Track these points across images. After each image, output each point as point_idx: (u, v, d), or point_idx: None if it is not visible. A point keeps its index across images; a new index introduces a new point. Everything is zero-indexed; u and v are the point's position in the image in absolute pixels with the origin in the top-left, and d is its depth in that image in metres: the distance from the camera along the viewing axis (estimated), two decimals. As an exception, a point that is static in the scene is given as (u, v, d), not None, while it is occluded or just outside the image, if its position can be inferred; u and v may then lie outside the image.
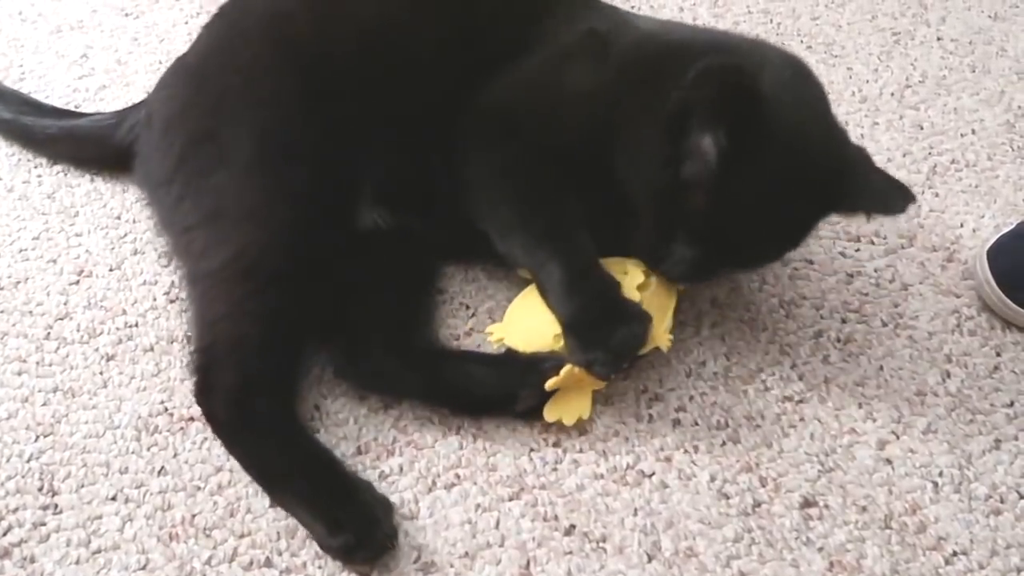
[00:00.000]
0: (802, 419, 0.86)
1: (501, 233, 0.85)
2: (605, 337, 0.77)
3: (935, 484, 0.82)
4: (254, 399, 0.78)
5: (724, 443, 0.83)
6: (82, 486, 0.78)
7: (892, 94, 1.25)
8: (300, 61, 0.87)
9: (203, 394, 0.80)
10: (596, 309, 0.79)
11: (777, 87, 0.77)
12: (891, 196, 0.81)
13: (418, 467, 0.80)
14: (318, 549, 0.74)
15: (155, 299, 0.92)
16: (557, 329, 0.81)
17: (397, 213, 0.90)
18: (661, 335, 0.82)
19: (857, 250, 1.03)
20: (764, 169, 0.76)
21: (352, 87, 0.87)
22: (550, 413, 0.81)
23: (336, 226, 0.85)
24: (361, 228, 0.88)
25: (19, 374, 0.86)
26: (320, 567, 0.73)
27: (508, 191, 0.86)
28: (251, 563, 0.73)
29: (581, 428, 0.83)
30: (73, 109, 1.12)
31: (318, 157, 0.84)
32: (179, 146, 0.87)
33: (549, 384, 0.79)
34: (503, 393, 0.82)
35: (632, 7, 1.38)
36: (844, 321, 0.95)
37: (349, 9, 0.90)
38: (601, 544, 0.76)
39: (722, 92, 0.73)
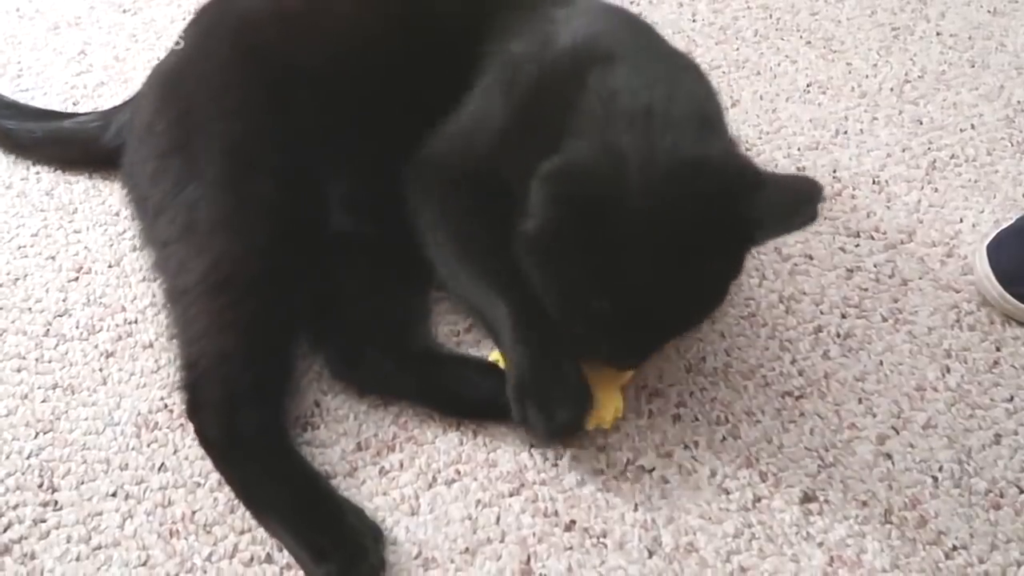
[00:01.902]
0: (802, 414, 0.86)
1: (449, 283, 0.86)
2: (545, 409, 0.76)
3: (935, 479, 0.82)
4: (242, 413, 0.78)
5: (724, 439, 0.84)
6: (82, 483, 0.78)
7: (891, 89, 1.25)
8: (268, 73, 0.87)
9: (193, 412, 0.79)
10: (541, 370, 0.77)
11: (633, 160, 0.72)
12: (797, 210, 0.73)
13: (418, 463, 0.80)
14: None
15: (154, 295, 0.92)
16: None
17: (371, 223, 0.90)
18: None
19: (857, 245, 1.03)
20: (650, 257, 0.71)
21: (319, 100, 0.87)
22: (587, 420, 0.80)
23: (308, 234, 0.85)
24: (347, 231, 0.89)
25: (18, 371, 0.86)
26: (321, 563, 0.73)
27: (451, 244, 0.84)
28: (251, 559, 0.73)
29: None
30: (61, 109, 1.11)
31: (285, 168, 0.84)
32: (153, 159, 0.87)
33: None
34: (497, 402, 0.81)
35: (632, 1, 1.38)
36: (844, 316, 0.95)
37: (319, 23, 0.90)
38: (602, 539, 0.76)
39: (564, 238, 0.70)
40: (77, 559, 0.73)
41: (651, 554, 0.75)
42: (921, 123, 1.20)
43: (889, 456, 0.83)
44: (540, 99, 0.82)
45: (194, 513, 0.76)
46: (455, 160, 0.85)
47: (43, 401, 0.83)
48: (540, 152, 0.75)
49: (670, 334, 0.81)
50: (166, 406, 0.83)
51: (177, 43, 0.96)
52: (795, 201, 0.73)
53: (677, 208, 0.71)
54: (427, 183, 0.86)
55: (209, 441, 0.78)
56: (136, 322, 0.90)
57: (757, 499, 0.79)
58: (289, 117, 0.86)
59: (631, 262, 0.71)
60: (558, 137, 0.76)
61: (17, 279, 0.93)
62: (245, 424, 0.78)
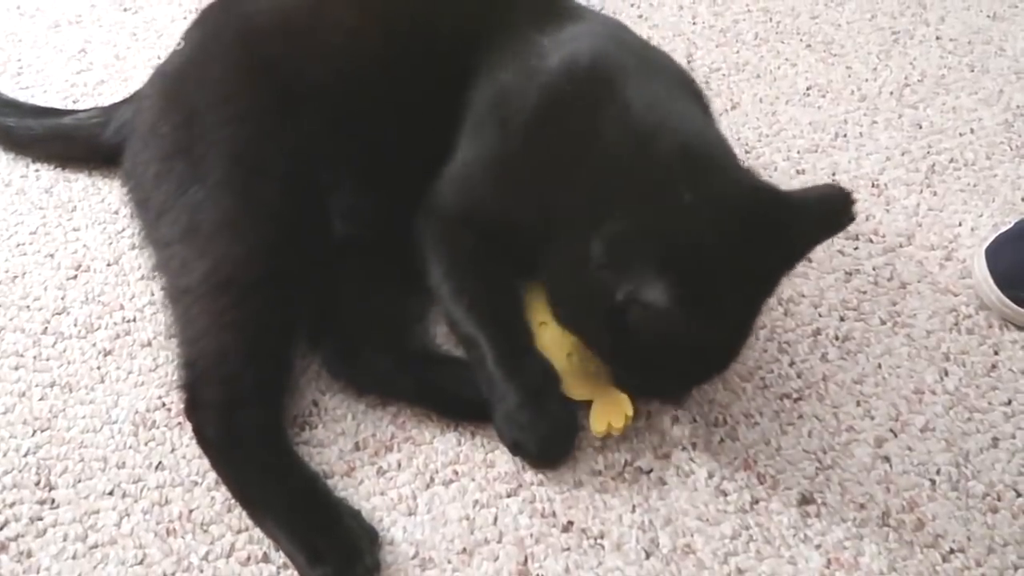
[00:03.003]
0: (800, 417, 0.86)
1: (445, 316, 0.87)
2: (537, 443, 0.78)
3: (932, 482, 0.82)
4: (240, 412, 0.78)
5: (722, 440, 0.83)
6: (79, 481, 0.78)
7: (891, 93, 1.25)
8: (272, 82, 0.87)
9: (191, 411, 0.79)
10: (530, 405, 0.78)
11: (702, 213, 0.73)
12: (832, 216, 0.77)
13: (416, 463, 0.80)
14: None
15: (153, 294, 0.92)
16: (568, 348, 0.83)
17: (371, 228, 0.91)
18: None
19: (856, 248, 1.03)
20: (732, 310, 0.74)
21: (322, 111, 0.87)
22: (597, 424, 0.80)
23: (311, 237, 0.85)
24: (348, 234, 0.89)
25: (16, 369, 0.85)
26: (318, 562, 0.73)
27: (448, 282, 0.86)
28: (248, 558, 0.73)
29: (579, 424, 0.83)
30: (61, 107, 1.11)
31: (288, 174, 0.85)
32: (157, 161, 0.87)
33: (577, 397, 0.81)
34: None
35: (632, 4, 1.38)
36: (842, 319, 0.95)
37: (323, 36, 0.90)
38: (599, 540, 0.76)
39: (652, 277, 0.69)
40: (74, 557, 0.73)
41: (648, 555, 0.75)
42: (920, 127, 1.20)
43: (887, 459, 0.83)
44: (544, 137, 0.81)
45: (191, 512, 0.76)
46: (456, 203, 0.86)
47: (41, 399, 0.83)
48: (558, 193, 0.77)
49: (706, 373, 0.82)
50: (164, 404, 0.83)
51: (179, 44, 0.96)
52: (829, 210, 0.77)
53: (747, 252, 0.73)
54: (431, 225, 0.87)
55: (207, 441, 0.78)
56: (134, 320, 0.90)
57: (755, 501, 0.79)
58: (293, 126, 0.86)
59: (716, 321, 0.73)
60: (580, 178, 0.77)
61: (15, 277, 0.93)
62: (243, 424, 0.78)
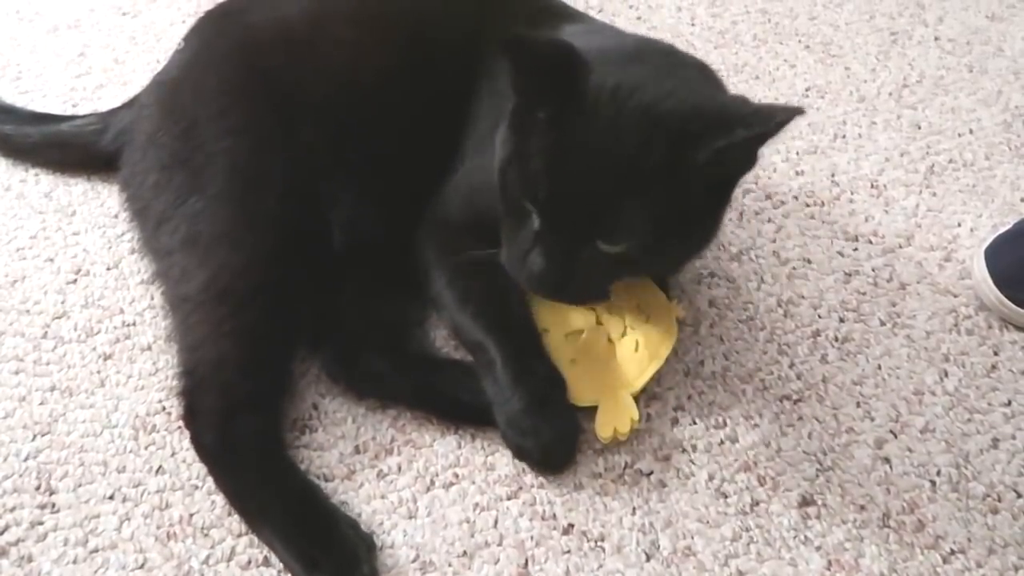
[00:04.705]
0: (800, 418, 0.86)
1: (449, 323, 0.88)
2: (542, 448, 0.79)
3: (933, 483, 0.82)
4: (238, 420, 0.78)
5: (722, 442, 0.83)
6: (79, 485, 0.78)
7: (890, 94, 1.25)
8: (271, 94, 0.88)
9: (189, 418, 0.79)
10: (535, 410, 0.79)
11: (611, 60, 0.73)
12: (751, 118, 0.69)
13: (416, 466, 0.80)
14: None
15: (152, 298, 0.92)
16: (571, 354, 0.83)
17: (371, 235, 0.91)
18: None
19: (855, 249, 1.03)
20: (591, 138, 0.70)
21: (321, 124, 0.87)
22: (603, 430, 0.80)
23: (310, 246, 0.85)
24: (347, 241, 0.89)
25: (16, 373, 0.85)
26: (318, 566, 0.73)
27: (450, 291, 0.86)
28: (249, 562, 0.73)
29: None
30: (60, 111, 1.11)
31: (288, 185, 0.85)
32: (156, 171, 0.88)
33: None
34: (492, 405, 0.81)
35: (631, 6, 1.38)
36: (842, 320, 0.95)
37: (323, 49, 0.90)
38: (599, 543, 0.76)
39: (538, 61, 0.70)
40: (74, 562, 0.73)
41: (649, 558, 0.75)
42: (919, 128, 1.20)
43: (887, 460, 0.83)
44: None
45: (191, 516, 0.76)
46: (459, 214, 0.87)
47: (41, 403, 0.83)
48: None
49: (601, 264, 0.75)
50: (164, 408, 0.83)
51: (179, 46, 0.96)
52: (754, 112, 0.70)
53: (632, 118, 0.69)
54: (433, 236, 0.87)
55: (204, 448, 0.78)
56: (134, 324, 0.90)
57: (755, 503, 0.79)
58: (292, 138, 0.86)
59: (575, 152, 0.70)
60: None
61: (15, 281, 0.93)
62: (240, 432, 0.78)
